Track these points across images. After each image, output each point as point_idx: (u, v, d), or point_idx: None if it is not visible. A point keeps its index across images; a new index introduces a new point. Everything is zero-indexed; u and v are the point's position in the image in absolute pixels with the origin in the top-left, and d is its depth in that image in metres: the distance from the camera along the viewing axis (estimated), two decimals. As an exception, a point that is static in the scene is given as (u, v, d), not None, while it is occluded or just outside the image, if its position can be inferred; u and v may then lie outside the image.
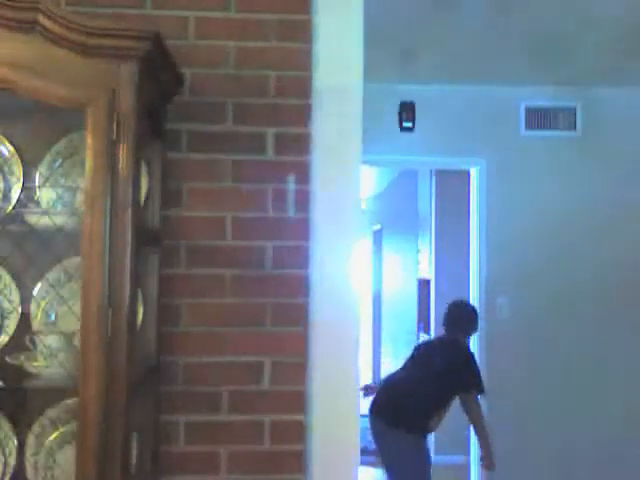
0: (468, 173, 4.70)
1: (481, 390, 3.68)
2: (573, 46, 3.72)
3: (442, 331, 3.93)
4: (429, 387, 3.54)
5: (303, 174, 1.88)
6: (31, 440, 1.70)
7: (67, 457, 1.63)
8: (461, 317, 3.84)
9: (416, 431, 3.52)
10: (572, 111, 4.52)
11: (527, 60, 3.95)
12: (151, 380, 1.75)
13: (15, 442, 1.70)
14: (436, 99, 4.45)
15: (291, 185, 1.87)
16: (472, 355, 3.75)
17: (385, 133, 4.40)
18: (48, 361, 1.57)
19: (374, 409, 3.64)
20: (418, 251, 6.53)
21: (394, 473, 3.64)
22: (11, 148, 1.77)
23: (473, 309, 3.95)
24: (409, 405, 3.52)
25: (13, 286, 1.75)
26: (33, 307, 1.74)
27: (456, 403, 3.66)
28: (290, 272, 1.87)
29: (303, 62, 1.89)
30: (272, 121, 1.88)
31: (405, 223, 7.07)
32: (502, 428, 4.17)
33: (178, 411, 1.83)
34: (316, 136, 1.89)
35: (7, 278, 1.75)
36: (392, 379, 3.84)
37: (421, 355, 3.83)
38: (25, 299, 1.75)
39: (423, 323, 6.21)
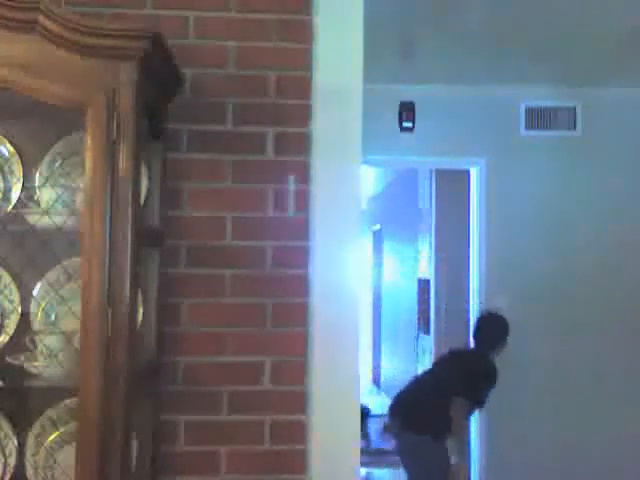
0: (468, 173, 4.70)
1: (481, 406, 3.70)
2: (573, 46, 3.72)
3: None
4: (444, 391, 3.57)
5: (303, 174, 1.88)
6: (31, 440, 1.70)
7: (67, 457, 1.63)
8: (493, 333, 3.83)
9: (427, 434, 3.53)
10: (572, 111, 4.52)
11: (527, 60, 3.95)
12: (151, 380, 1.75)
13: (15, 442, 1.70)
14: (436, 99, 4.45)
15: (291, 185, 1.87)
16: (495, 373, 3.71)
17: (385, 133, 4.40)
18: (48, 361, 1.57)
19: (392, 409, 3.69)
20: (418, 251, 6.53)
21: (410, 473, 3.70)
22: (11, 148, 1.77)
23: (504, 325, 3.89)
24: (423, 408, 3.55)
25: (13, 286, 1.75)
26: (33, 307, 1.74)
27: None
28: (290, 272, 1.87)
29: (303, 62, 1.89)
30: (272, 121, 1.88)
31: (405, 223, 7.07)
32: (501, 427, 4.16)
33: (178, 411, 1.83)
34: (316, 136, 1.89)
35: (7, 278, 1.75)
36: (414, 381, 3.90)
37: (445, 362, 3.86)
38: (25, 299, 1.74)
39: (423, 323, 6.21)
